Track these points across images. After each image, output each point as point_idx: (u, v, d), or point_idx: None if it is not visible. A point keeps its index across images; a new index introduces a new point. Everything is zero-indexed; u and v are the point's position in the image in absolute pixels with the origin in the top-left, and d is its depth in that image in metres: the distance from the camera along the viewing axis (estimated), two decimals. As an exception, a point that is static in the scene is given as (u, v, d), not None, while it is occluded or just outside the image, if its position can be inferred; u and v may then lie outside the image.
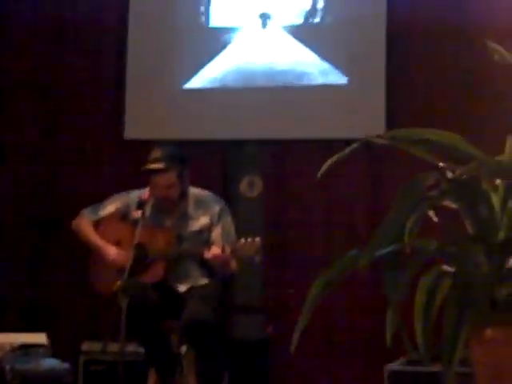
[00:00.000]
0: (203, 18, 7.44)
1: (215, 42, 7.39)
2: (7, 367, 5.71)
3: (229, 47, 7.38)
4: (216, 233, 5.72)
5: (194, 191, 5.82)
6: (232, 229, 5.77)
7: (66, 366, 5.97)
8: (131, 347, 5.82)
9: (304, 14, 7.28)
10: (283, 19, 7.33)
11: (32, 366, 5.79)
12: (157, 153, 5.67)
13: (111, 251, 5.71)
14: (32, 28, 7.66)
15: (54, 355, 6.00)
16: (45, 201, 7.49)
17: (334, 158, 2.44)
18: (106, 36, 7.57)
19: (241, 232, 5.79)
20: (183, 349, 5.63)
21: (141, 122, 7.43)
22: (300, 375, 6.87)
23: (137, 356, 5.85)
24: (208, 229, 5.73)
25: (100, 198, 5.92)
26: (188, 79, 7.40)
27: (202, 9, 7.45)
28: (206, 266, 5.67)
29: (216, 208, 5.77)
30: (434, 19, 6.87)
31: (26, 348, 5.86)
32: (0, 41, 7.72)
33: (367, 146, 2.46)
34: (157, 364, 5.59)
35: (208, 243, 5.64)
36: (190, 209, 5.78)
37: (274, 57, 7.31)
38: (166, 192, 5.64)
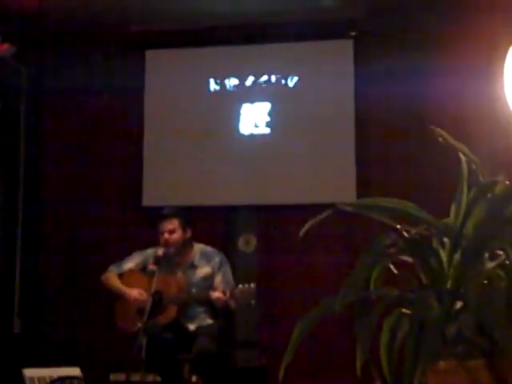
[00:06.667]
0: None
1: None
2: (47, 397, 5.67)
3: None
4: (218, 279, 5.76)
5: (199, 246, 5.89)
6: (230, 276, 5.82)
7: (96, 394, 5.92)
8: (150, 377, 5.77)
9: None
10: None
11: (68, 396, 5.74)
12: (165, 208, 5.91)
13: (133, 292, 5.71)
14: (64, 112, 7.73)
15: (87, 385, 5.96)
16: (77, 258, 7.48)
17: (312, 221, 2.45)
18: (127, 123, 7.61)
19: (239, 280, 5.80)
20: (193, 378, 5.59)
21: (155, 192, 7.45)
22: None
23: (155, 384, 5.80)
24: (211, 276, 5.77)
25: (123, 256, 5.95)
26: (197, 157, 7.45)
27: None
28: (210, 307, 5.66)
29: (216, 259, 5.83)
30: (394, 105, 6.94)
31: (62, 380, 5.80)
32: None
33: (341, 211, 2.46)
34: (171, 390, 5.56)
35: (211, 288, 5.66)
36: (196, 260, 5.82)
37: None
38: (169, 237, 5.68)
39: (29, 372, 5.86)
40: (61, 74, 7.55)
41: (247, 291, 5.53)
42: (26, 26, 7.26)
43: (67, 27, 7.50)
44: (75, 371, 5.99)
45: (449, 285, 2.25)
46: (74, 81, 7.52)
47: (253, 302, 5.61)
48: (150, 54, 7.60)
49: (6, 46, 6.69)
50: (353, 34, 7.17)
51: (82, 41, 7.63)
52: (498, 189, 2.26)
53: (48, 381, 5.75)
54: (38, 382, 5.77)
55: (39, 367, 5.96)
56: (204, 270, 5.78)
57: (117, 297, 5.81)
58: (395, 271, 2.38)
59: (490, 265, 2.23)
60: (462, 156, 2.36)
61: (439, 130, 2.35)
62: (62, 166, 7.64)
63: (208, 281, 5.76)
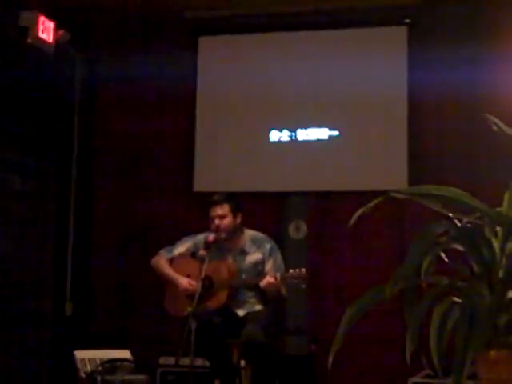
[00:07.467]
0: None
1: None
2: (98, 378, 5.72)
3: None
4: (269, 266, 5.75)
5: (249, 232, 5.89)
6: (281, 262, 5.80)
7: (146, 377, 5.96)
8: (199, 361, 5.81)
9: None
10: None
11: (118, 377, 5.78)
12: (216, 194, 5.91)
13: (184, 281, 5.74)
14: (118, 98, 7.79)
15: (137, 368, 6.00)
16: (128, 243, 7.55)
17: (363, 208, 2.44)
18: (179, 109, 7.64)
19: (290, 266, 5.79)
20: (242, 363, 5.60)
21: (206, 177, 7.48)
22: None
23: (204, 368, 5.83)
24: (261, 263, 5.77)
25: (174, 241, 5.98)
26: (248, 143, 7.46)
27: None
28: (260, 293, 5.67)
29: (267, 246, 5.82)
30: (447, 93, 6.87)
31: (113, 362, 5.86)
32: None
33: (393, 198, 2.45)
34: (220, 375, 5.58)
35: (262, 274, 5.67)
36: (247, 246, 5.82)
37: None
38: (220, 222, 5.69)
39: (80, 354, 5.94)
40: (114, 61, 7.60)
41: (298, 275, 5.53)
42: (80, 13, 7.33)
43: (121, 14, 7.56)
44: (125, 354, 6.06)
45: (501, 274, 2.23)
46: (127, 67, 7.56)
47: (303, 286, 5.61)
48: (203, 41, 7.62)
49: (60, 32, 6.76)
50: (407, 21, 7.11)
51: (135, 28, 7.68)
52: (553, 177, 2.23)
53: (99, 363, 5.83)
54: (89, 363, 5.85)
55: (90, 349, 6.05)
56: (254, 256, 5.79)
57: (166, 281, 5.85)
58: (446, 260, 2.37)
59: (544, 254, 2.20)
60: (515, 144, 2.33)
61: (493, 118, 2.33)
62: (115, 153, 7.70)
63: (258, 267, 5.77)
